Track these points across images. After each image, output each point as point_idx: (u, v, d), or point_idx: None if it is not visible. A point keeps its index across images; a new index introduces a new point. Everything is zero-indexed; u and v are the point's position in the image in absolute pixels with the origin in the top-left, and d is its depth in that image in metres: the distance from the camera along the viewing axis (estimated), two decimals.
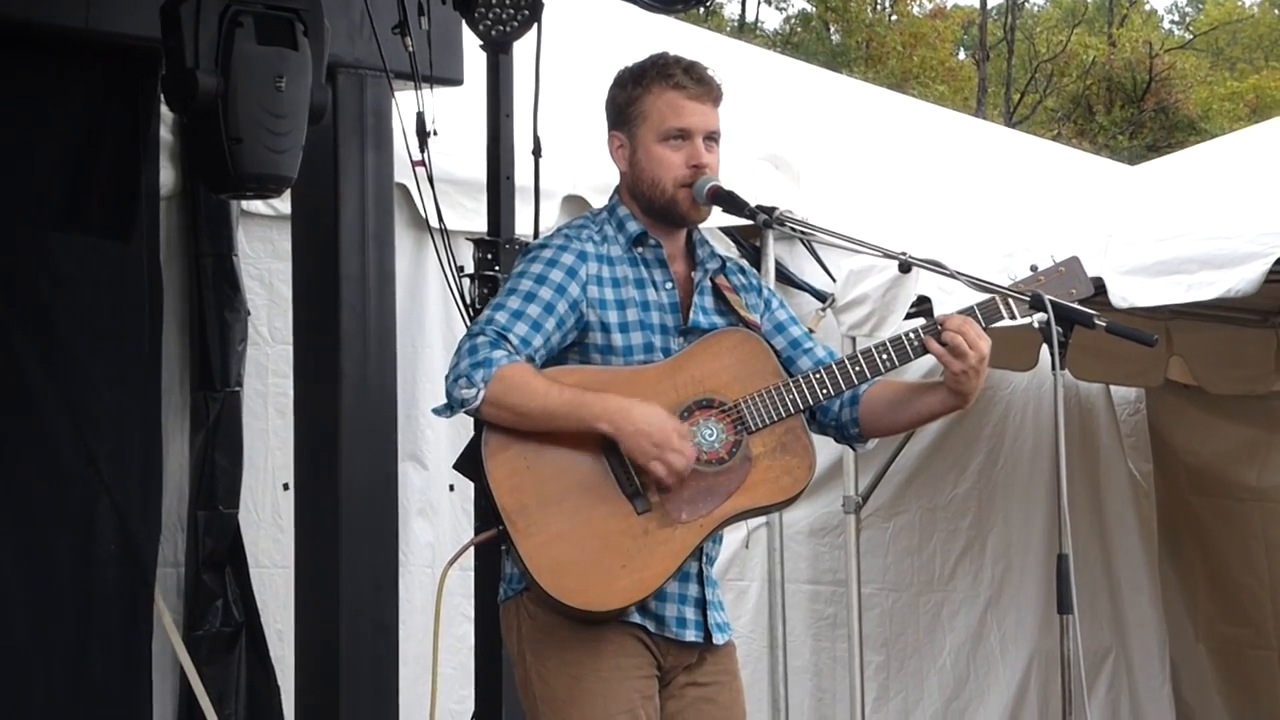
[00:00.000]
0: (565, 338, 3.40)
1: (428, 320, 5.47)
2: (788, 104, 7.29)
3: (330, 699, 4.79)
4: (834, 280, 6.00)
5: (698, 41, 6.94)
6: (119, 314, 4.85)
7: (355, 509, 4.80)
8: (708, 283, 3.54)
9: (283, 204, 5.06)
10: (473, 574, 4.63)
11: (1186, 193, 6.11)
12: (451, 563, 3.55)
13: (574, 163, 5.30)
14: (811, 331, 3.90)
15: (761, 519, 5.94)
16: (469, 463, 3.36)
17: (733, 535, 5.85)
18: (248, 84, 4.11)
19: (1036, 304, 3.42)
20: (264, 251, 5.26)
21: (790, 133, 6.58)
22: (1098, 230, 5.45)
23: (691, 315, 3.49)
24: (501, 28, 4.53)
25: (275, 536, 5.24)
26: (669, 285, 3.49)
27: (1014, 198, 6.87)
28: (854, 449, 3.77)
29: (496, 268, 4.56)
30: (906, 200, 6.58)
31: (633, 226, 3.50)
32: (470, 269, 4.62)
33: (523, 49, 4.62)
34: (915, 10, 32.69)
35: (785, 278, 6.09)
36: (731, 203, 3.46)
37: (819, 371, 3.43)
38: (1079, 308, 3.45)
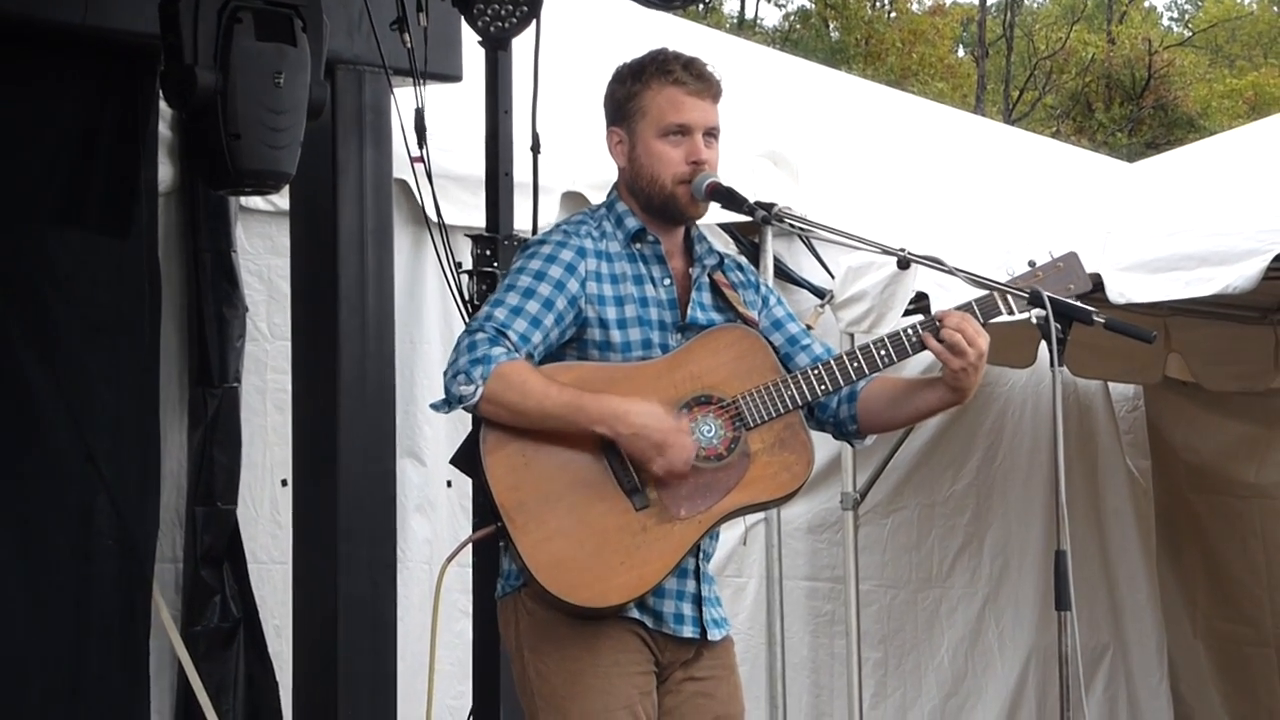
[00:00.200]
0: (564, 334, 3.40)
1: (426, 316, 5.47)
2: (787, 101, 7.27)
3: (328, 694, 4.79)
4: (832, 277, 5.99)
5: (697, 38, 6.93)
6: (118, 310, 4.84)
7: (353, 505, 4.81)
8: (706, 279, 3.54)
9: (281, 200, 5.05)
10: (471, 570, 4.62)
11: (1185, 190, 6.11)
12: (450, 559, 3.55)
13: (573, 159, 5.30)
14: (810, 328, 3.90)
15: (759, 515, 5.93)
16: (466, 459, 3.36)
17: (730, 531, 5.84)
18: (246, 80, 4.12)
19: (1035, 300, 3.42)
20: (263, 247, 5.26)
21: (789, 129, 6.57)
22: (1096, 227, 5.45)
23: (690, 311, 3.49)
24: (500, 24, 4.52)
25: (273, 532, 5.24)
26: (667, 282, 3.49)
27: (1013, 195, 6.86)
28: (852, 445, 3.77)
29: (495, 264, 4.55)
30: (905, 197, 6.57)
31: (631, 223, 3.50)
32: (469, 265, 4.61)
33: (521, 45, 4.62)
34: (914, 7, 32.67)
35: (784, 274, 6.09)
36: (730, 199, 3.46)
37: (817, 368, 3.43)
38: (1077, 304, 3.45)
